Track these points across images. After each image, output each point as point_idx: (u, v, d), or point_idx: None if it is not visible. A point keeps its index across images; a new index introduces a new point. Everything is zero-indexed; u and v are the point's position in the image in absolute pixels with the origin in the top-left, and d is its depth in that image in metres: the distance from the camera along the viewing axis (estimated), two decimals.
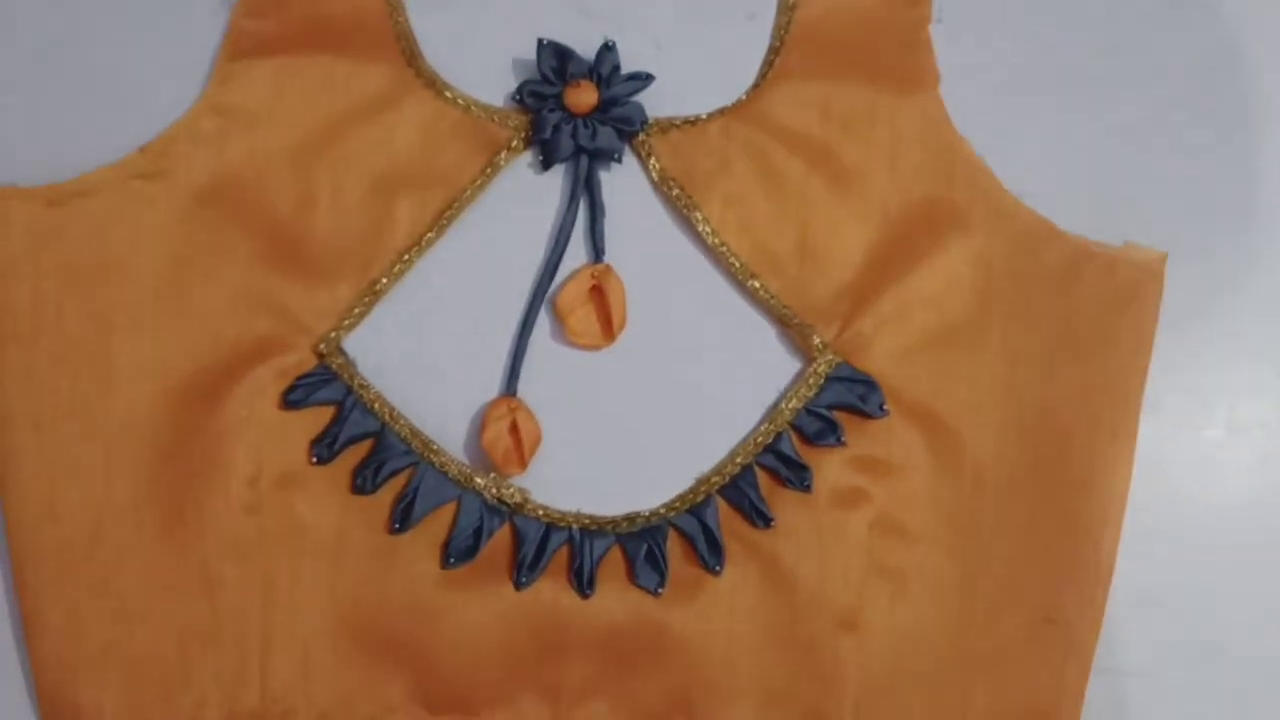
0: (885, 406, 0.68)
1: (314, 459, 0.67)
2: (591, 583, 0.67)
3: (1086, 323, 0.69)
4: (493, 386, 0.70)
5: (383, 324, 0.69)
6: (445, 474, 0.67)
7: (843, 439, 0.68)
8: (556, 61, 0.70)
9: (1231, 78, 0.74)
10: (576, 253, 0.69)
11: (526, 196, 0.70)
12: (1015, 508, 0.68)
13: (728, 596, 0.67)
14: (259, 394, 0.67)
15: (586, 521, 0.68)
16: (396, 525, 0.67)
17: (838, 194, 0.70)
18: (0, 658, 0.66)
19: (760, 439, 0.68)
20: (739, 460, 0.68)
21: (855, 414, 0.68)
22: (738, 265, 0.70)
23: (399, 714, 0.66)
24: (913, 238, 0.70)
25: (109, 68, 0.70)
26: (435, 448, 0.68)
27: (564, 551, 0.67)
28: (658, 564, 0.67)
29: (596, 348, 0.69)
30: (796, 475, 0.68)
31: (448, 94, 0.70)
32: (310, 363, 0.68)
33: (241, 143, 0.68)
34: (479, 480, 0.67)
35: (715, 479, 0.68)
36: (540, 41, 0.71)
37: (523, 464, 0.68)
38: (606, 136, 0.69)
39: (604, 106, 0.69)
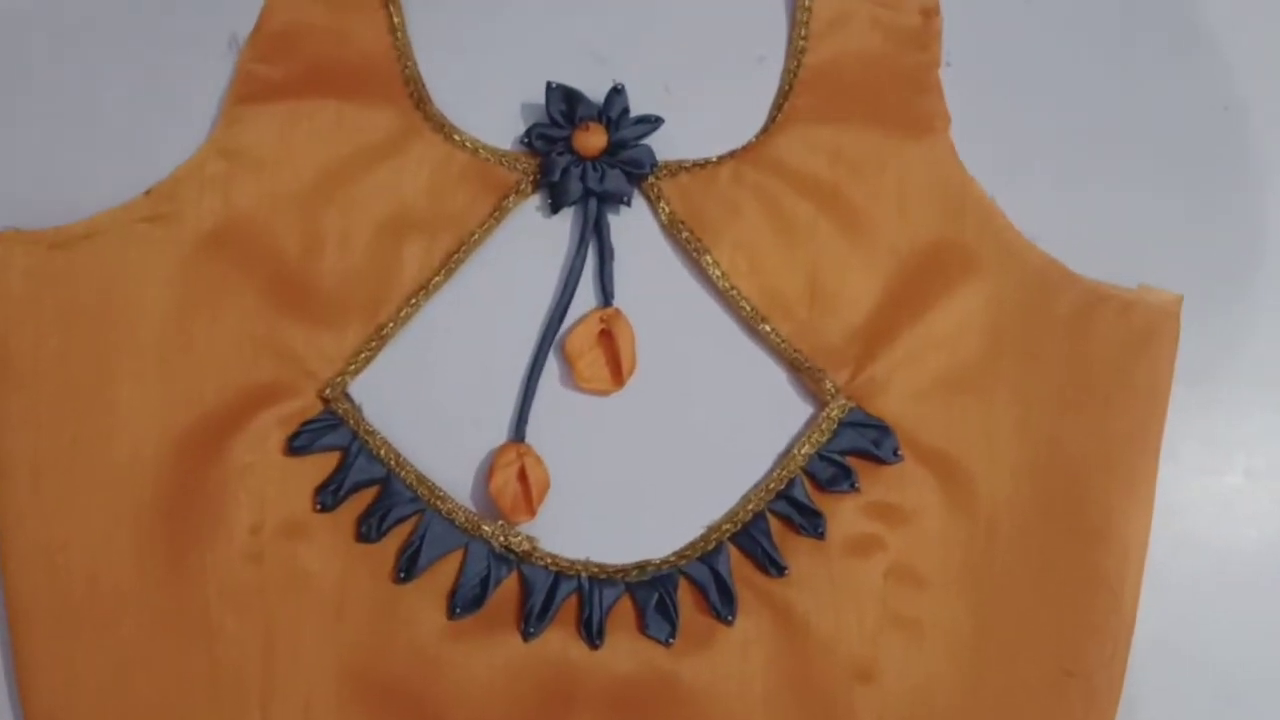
0: (899, 451, 0.67)
1: (318, 506, 0.66)
2: (601, 633, 0.65)
3: (1101, 366, 0.68)
4: (500, 432, 0.69)
5: (389, 369, 0.68)
6: (452, 522, 0.66)
7: (856, 485, 0.67)
8: (565, 104, 0.70)
9: (1246, 120, 0.73)
10: (585, 296, 0.69)
11: (535, 240, 0.69)
12: (1031, 555, 0.66)
13: (740, 647, 0.66)
14: (263, 440, 0.66)
15: (596, 570, 0.66)
16: (401, 574, 0.65)
17: (848, 237, 0.69)
18: None
19: (772, 485, 0.67)
20: (751, 507, 0.67)
21: (869, 459, 0.67)
22: (748, 309, 0.69)
23: None
24: (924, 280, 0.69)
25: (115, 110, 0.70)
26: (441, 495, 0.66)
27: (573, 601, 0.66)
28: (668, 613, 0.66)
29: (606, 393, 0.68)
30: (810, 522, 0.67)
31: (456, 137, 0.70)
32: (315, 408, 0.67)
33: (248, 186, 0.68)
34: (486, 528, 0.66)
35: (727, 526, 0.67)
36: (549, 85, 0.70)
37: (531, 511, 0.67)
38: (615, 179, 0.68)
39: (613, 149, 0.69)
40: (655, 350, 0.68)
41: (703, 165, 0.69)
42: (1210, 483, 0.70)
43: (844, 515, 0.67)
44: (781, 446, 0.68)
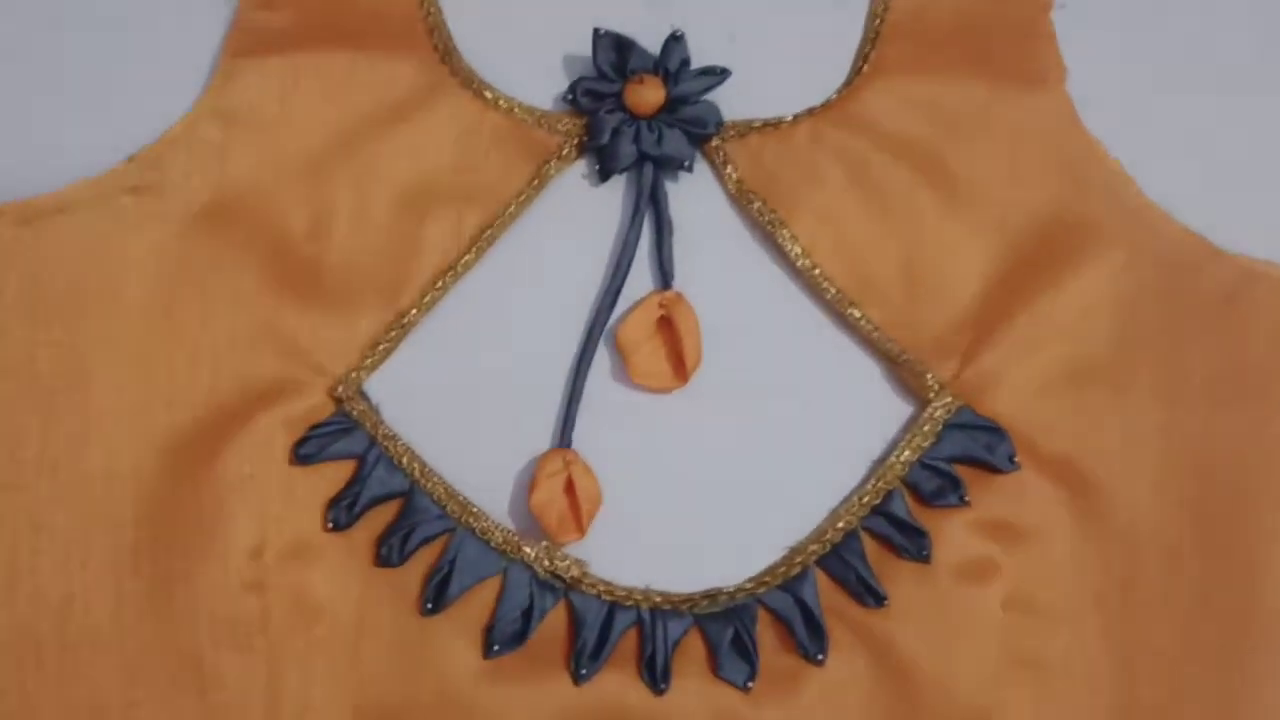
0: (1016, 459, 0.57)
1: (330, 525, 0.56)
2: (666, 675, 0.55)
3: (1259, 355, 0.58)
4: (544, 438, 0.58)
5: (412, 363, 0.59)
6: (487, 543, 0.56)
7: (966, 498, 0.56)
8: (616, 55, 0.60)
9: None
10: (641, 278, 0.60)
11: (581, 213, 0.61)
12: (1180, 586, 0.56)
13: (833, 692, 0.55)
14: (265, 447, 0.56)
15: (658, 600, 0.56)
16: (429, 605, 0.55)
17: (949, 208, 0.60)
18: None
19: (866, 499, 0.57)
20: (841, 525, 0.57)
21: (980, 468, 0.57)
22: (833, 292, 0.59)
23: None
24: (1040, 258, 0.59)
25: (93, 65, 0.62)
26: (475, 511, 0.56)
27: (632, 637, 0.56)
28: (746, 652, 0.55)
29: (666, 390, 0.59)
30: (912, 542, 0.56)
31: (487, 94, 0.61)
32: (326, 409, 0.57)
33: (248, 152, 0.59)
34: (528, 550, 0.56)
35: (813, 548, 0.56)
36: (596, 32, 0.61)
37: (580, 530, 0.56)
38: (674, 141, 0.59)
39: (671, 106, 0.60)
40: (723, 340, 0.59)
41: (775, 125, 0.61)
42: None
43: (952, 534, 0.56)
44: (876, 453, 0.59)
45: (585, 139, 0.60)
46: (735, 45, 0.62)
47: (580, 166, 0.61)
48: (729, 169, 0.61)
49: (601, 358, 0.59)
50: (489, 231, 0.59)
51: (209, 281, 0.58)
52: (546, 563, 0.56)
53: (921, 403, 0.59)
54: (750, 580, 0.57)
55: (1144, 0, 0.64)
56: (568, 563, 0.56)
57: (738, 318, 0.59)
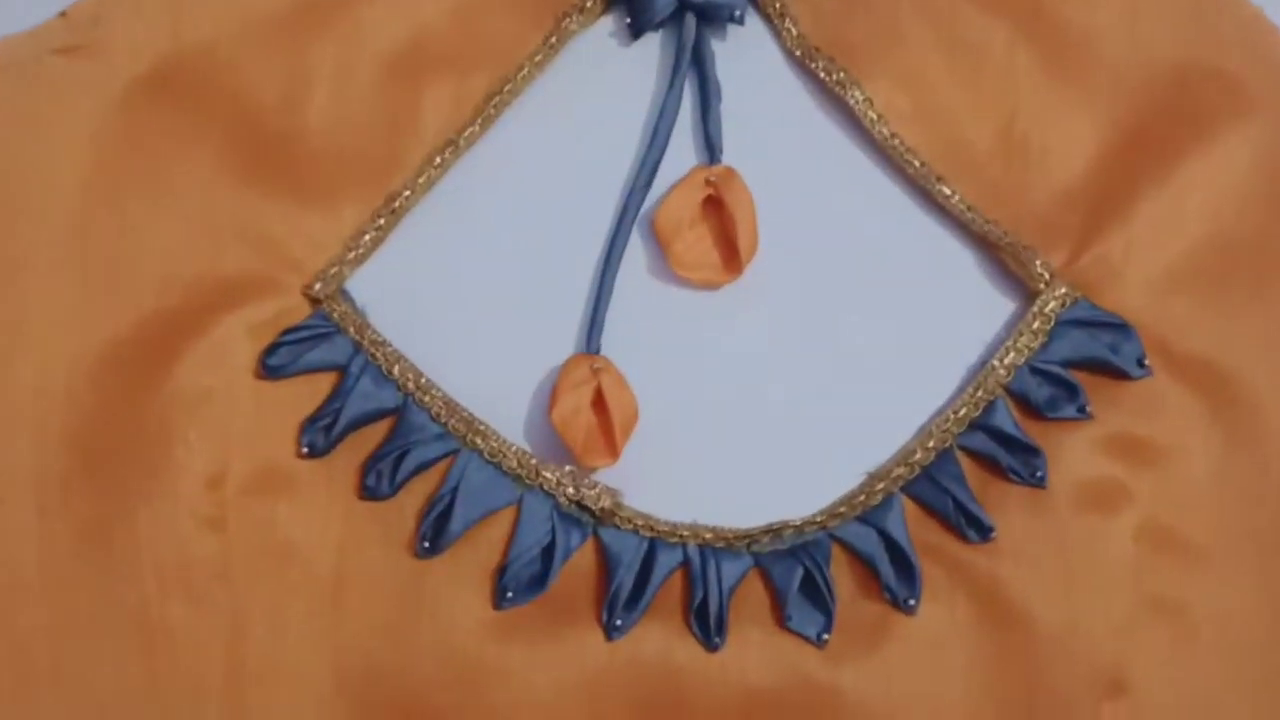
0: (1146, 361, 0.46)
1: (304, 449, 0.46)
2: (721, 627, 0.44)
3: None
4: (565, 342, 0.48)
5: (404, 256, 0.49)
6: (498, 467, 0.45)
7: (1087, 409, 0.46)
8: None
9: None
10: (682, 153, 0.50)
11: (607, 76, 0.51)
12: None
13: (928, 646, 0.45)
14: (225, 357, 0.47)
15: (709, 537, 0.45)
16: (426, 544, 0.45)
17: (1056, 68, 0.50)
18: None
19: (963, 412, 0.46)
20: (932, 444, 0.46)
21: (1103, 373, 0.47)
22: (917, 165, 0.49)
23: None
24: (1164, 124, 0.50)
25: None
26: (483, 429, 0.46)
27: (677, 581, 0.46)
28: (820, 597, 0.45)
29: (714, 285, 0.49)
30: (1022, 462, 0.45)
31: None
32: (301, 312, 0.47)
33: (205, 7, 0.50)
34: (549, 475, 0.45)
35: (898, 472, 0.46)
36: None
37: (613, 451, 0.46)
38: None
39: None
40: (782, 225, 0.49)
41: None
42: None
43: (1071, 453, 0.46)
44: (973, 358, 0.48)
45: None
46: None
47: (606, 22, 0.52)
48: (788, 23, 0.51)
49: (635, 248, 0.50)
50: (497, 99, 0.50)
51: (158, 162, 0.49)
52: (571, 490, 0.46)
53: (1028, 296, 0.48)
54: (821, 512, 0.46)
55: None
56: (597, 491, 0.46)
57: (800, 198, 0.50)
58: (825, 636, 0.45)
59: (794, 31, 0.51)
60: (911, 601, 0.45)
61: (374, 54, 0.50)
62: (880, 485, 0.46)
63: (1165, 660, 0.45)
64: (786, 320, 0.49)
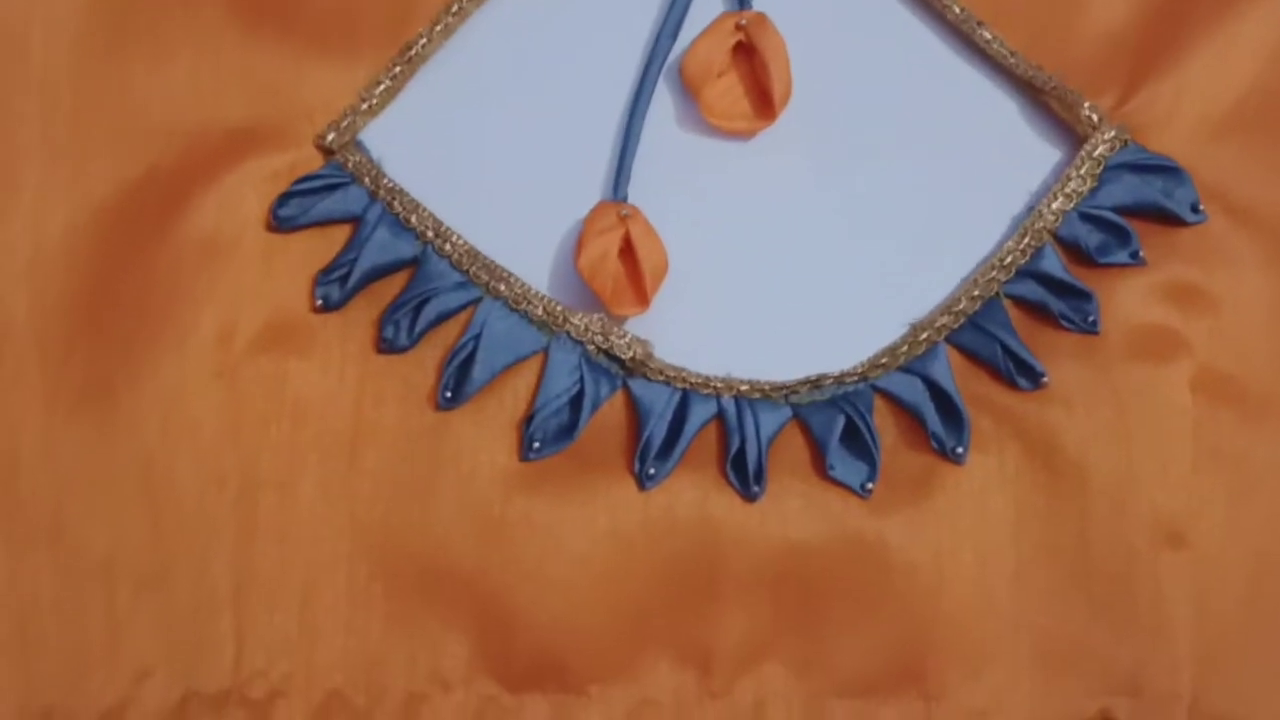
0: (1201, 206, 0.43)
1: (319, 303, 0.44)
2: (760, 475, 0.42)
3: None
4: (590, 192, 0.46)
5: (421, 107, 0.47)
6: (523, 314, 0.43)
7: (1140, 255, 0.44)
8: None
9: None
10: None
11: None
12: None
13: (976, 496, 0.43)
14: (234, 209, 0.45)
15: (744, 388, 0.43)
16: (448, 394, 0.42)
17: None
18: None
19: (1009, 259, 0.44)
20: (977, 292, 0.44)
21: (1155, 219, 0.45)
22: (957, 11, 0.47)
23: (457, 690, 0.41)
24: None
25: None
26: (507, 275, 0.43)
27: (712, 433, 0.43)
28: (864, 445, 0.42)
29: (746, 133, 0.47)
30: (1074, 307, 0.43)
31: None
32: (313, 162, 0.45)
33: None
34: (576, 322, 0.43)
35: (942, 321, 0.43)
36: None
37: (643, 300, 0.43)
38: None
39: None
40: (817, 71, 0.47)
41: None
42: None
43: (1124, 300, 0.44)
44: (1018, 208, 0.45)
45: None
46: None
47: None
48: None
49: (663, 95, 0.47)
50: None
51: (160, 11, 0.46)
52: (600, 338, 0.43)
53: (1075, 141, 0.46)
54: (862, 364, 0.44)
55: None
56: (627, 340, 0.43)
57: (835, 42, 0.48)
58: (869, 486, 0.43)
59: None
60: (960, 450, 0.43)
61: None
62: (924, 335, 0.44)
63: (1225, 513, 0.43)
64: (822, 169, 0.47)
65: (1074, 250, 0.45)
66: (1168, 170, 0.45)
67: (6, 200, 0.44)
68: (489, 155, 0.46)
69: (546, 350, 0.43)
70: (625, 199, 0.45)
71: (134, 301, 0.44)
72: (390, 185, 0.45)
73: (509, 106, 0.47)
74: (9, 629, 0.41)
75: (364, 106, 0.46)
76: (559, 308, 0.44)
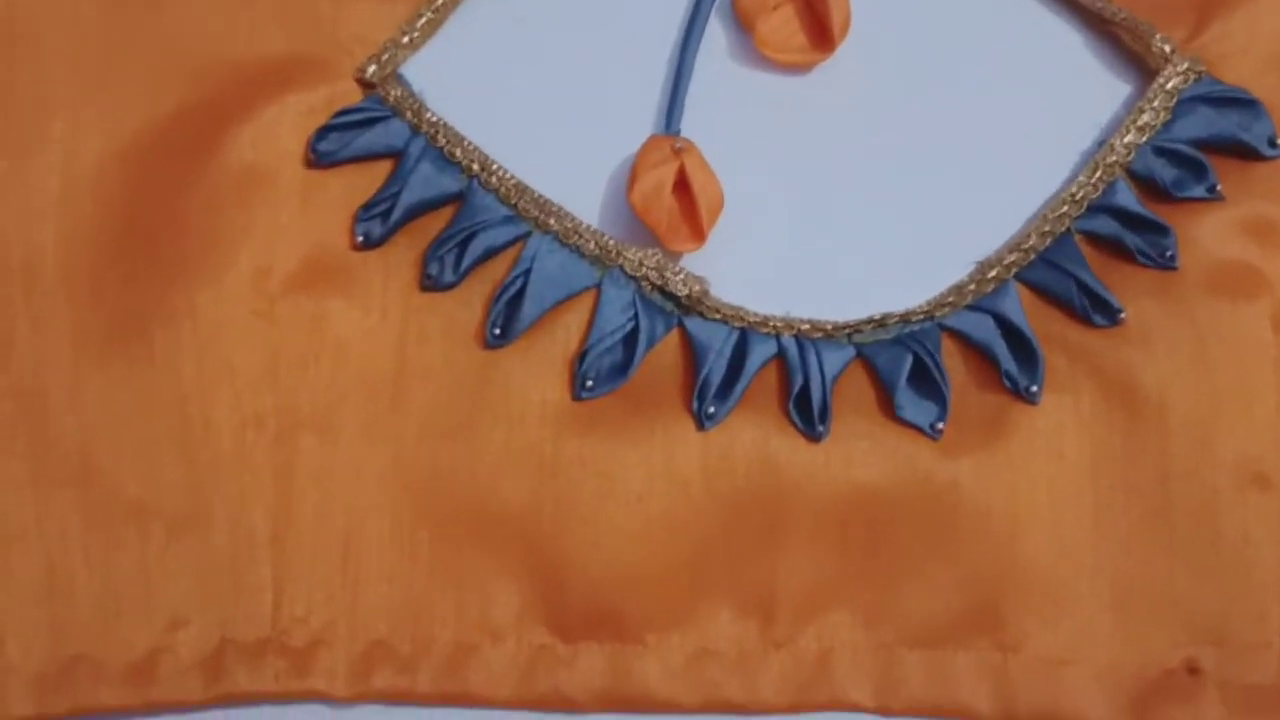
0: (1278, 140, 0.42)
1: (359, 240, 0.41)
2: (825, 415, 0.40)
3: None
4: (642, 125, 0.44)
5: (464, 40, 0.45)
6: (574, 249, 0.41)
7: (1217, 189, 0.41)
8: None
9: None
10: None
11: None
12: None
13: (1052, 438, 0.41)
14: (272, 141, 0.43)
15: (805, 327, 0.41)
16: (496, 332, 0.40)
17: None
18: None
19: (1080, 194, 0.42)
20: (1048, 229, 0.42)
21: (1231, 153, 0.43)
22: None
23: (508, 639, 0.39)
24: None
25: None
26: (557, 210, 0.41)
27: (772, 374, 0.41)
28: (933, 384, 0.40)
29: (803, 66, 0.45)
30: (1150, 242, 0.41)
31: None
32: (353, 96, 0.43)
33: None
34: (630, 256, 0.41)
35: (1011, 258, 0.42)
36: None
37: (699, 235, 0.42)
38: None
39: None
40: (877, 3, 0.45)
41: None
42: None
43: (1201, 235, 0.42)
44: (1087, 143, 0.43)
45: None
46: None
47: None
48: None
49: (716, 28, 0.46)
50: None
51: None
52: (655, 274, 0.41)
53: (1147, 73, 0.44)
54: (928, 302, 0.42)
55: None
56: (683, 276, 0.41)
57: None
58: (939, 426, 0.40)
59: None
60: (1034, 389, 0.41)
61: None
62: (992, 273, 0.42)
63: None
64: (882, 103, 0.45)
65: (1148, 185, 0.43)
66: (1244, 103, 0.43)
67: (37, 133, 0.43)
68: (535, 89, 0.45)
69: (599, 286, 0.41)
70: (678, 133, 0.43)
71: (168, 238, 0.42)
72: (433, 119, 0.43)
73: (555, 39, 0.45)
74: (37, 574, 0.39)
75: (405, 40, 0.44)
76: (612, 242, 0.42)
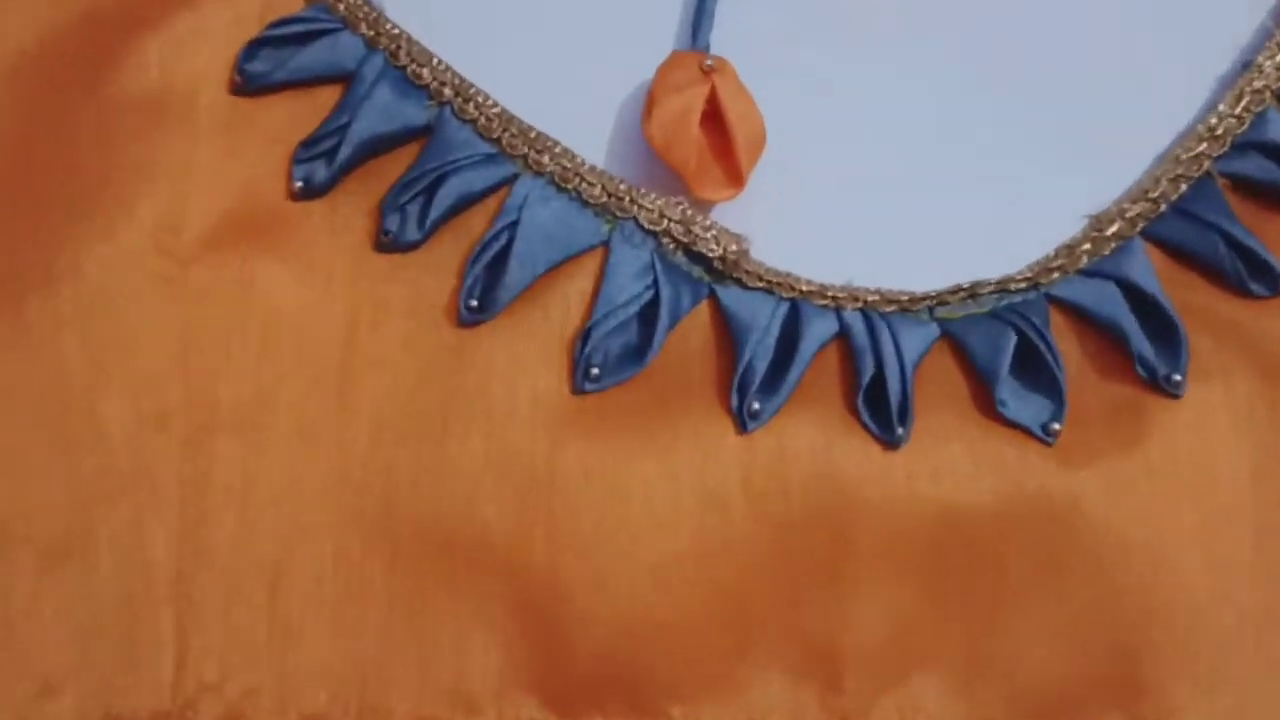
0: None
1: (298, 185, 0.32)
2: (905, 414, 0.30)
3: None
4: (660, 39, 0.34)
5: None
6: (575, 196, 0.31)
7: None
8: None
9: None
10: None
11: None
12: None
13: (1201, 441, 0.32)
14: (187, 58, 0.34)
15: (873, 299, 0.31)
16: (473, 304, 0.31)
17: None
18: None
19: (1220, 127, 0.33)
20: (1180, 171, 0.33)
21: None
22: None
23: (487, 713, 0.30)
24: None
25: None
26: (550, 144, 0.32)
27: (833, 357, 0.31)
28: (1044, 374, 0.31)
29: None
30: None
31: None
32: (293, 3, 0.34)
33: None
34: (647, 205, 0.31)
35: (1135, 209, 0.32)
36: None
37: (736, 178, 0.32)
38: None
39: None
40: None
41: None
42: None
43: None
44: (1226, 61, 0.34)
45: None
46: None
47: None
48: None
49: None
50: None
51: None
52: (679, 229, 0.32)
53: None
54: (1030, 266, 0.32)
55: None
56: (715, 232, 0.32)
57: None
58: (1055, 428, 0.31)
59: None
60: (1176, 378, 0.31)
61: None
62: (1112, 228, 0.33)
63: None
64: (965, 17, 0.35)
65: None
66: None
67: None
68: None
69: (607, 244, 0.32)
70: (708, 48, 0.34)
71: (53, 181, 0.33)
72: (394, 31, 0.34)
73: None
74: None
75: None
76: (623, 187, 0.32)
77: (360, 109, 0.33)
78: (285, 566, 0.30)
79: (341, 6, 0.34)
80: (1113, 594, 0.30)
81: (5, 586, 0.30)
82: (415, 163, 0.33)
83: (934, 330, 0.32)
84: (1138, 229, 0.33)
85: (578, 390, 0.31)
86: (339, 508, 0.31)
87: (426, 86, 0.33)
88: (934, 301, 0.32)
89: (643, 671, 0.30)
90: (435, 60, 0.33)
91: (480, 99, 0.33)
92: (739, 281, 0.32)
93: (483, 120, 0.33)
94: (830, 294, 0.32)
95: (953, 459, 0.31)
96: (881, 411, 0.31)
